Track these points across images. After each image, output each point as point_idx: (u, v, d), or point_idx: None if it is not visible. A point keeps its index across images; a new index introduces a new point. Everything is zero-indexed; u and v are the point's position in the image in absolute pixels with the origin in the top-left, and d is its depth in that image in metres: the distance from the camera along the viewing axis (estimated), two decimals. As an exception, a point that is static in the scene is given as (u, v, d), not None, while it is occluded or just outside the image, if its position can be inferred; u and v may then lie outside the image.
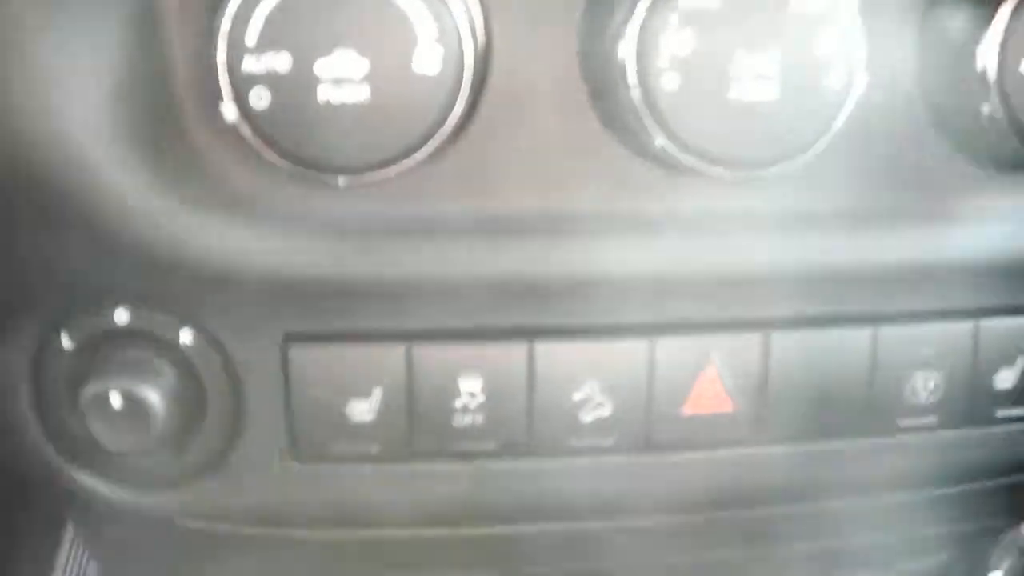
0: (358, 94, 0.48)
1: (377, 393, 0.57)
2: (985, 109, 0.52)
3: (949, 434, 0.61)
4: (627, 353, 0.56)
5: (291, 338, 0.56)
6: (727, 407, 0.58)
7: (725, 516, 0.64)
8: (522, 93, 0.52)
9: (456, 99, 0.48)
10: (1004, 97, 0.52)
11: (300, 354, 0.56)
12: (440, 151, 0.49)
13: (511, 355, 0.56)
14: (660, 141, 0.49)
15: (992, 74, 0.51)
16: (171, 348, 0.57)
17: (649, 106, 0.49)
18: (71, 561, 0.71)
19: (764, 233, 0.55)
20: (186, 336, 0.57)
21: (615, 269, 0.55)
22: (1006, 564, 0.47)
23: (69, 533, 0.71)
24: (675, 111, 0.49)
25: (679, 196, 0.55)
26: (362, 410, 0.57)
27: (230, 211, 0.53)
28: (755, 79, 0.48)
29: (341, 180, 0.50)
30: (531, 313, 0.56)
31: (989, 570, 0.47)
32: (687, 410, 0.57)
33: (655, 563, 0.66)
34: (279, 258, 0.54)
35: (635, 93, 0.49)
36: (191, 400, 0.58)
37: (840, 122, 0.50)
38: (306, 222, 0.54)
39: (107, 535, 0.69)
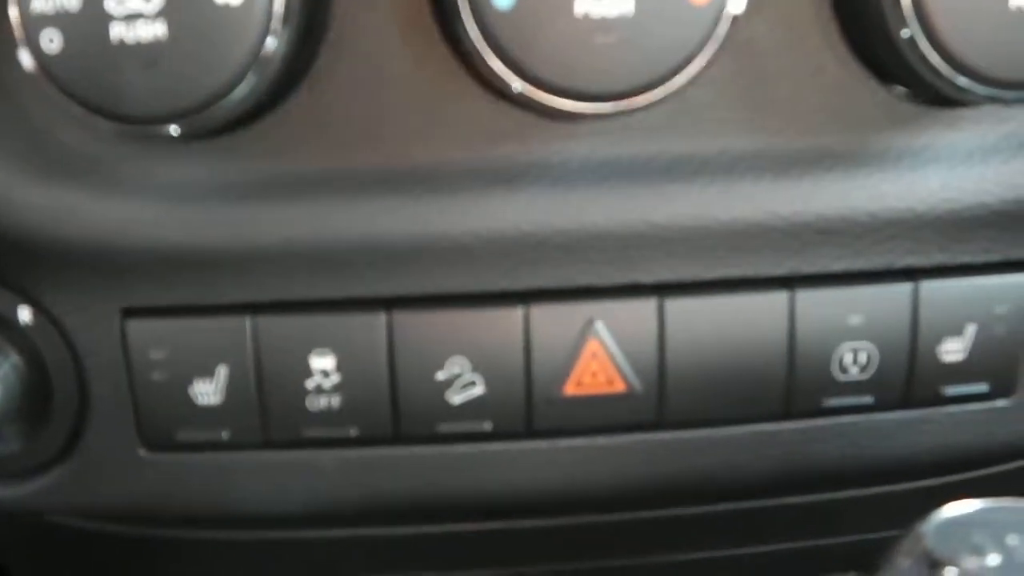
0: (154, 31, 0.41)
1: (222, 372, 0.50)
2: (904, 33, 0.44)
3: (889, 417, 0.52)
4: (498, 324, 0.49)
5: (129, 313, 0.50)
6: (617, 386, 0.50)
7: (622, 517, 0.56)
8: (367, 32, 0.45)
9: (266, 33, 0.41)
10: (923, 19, 0.43)
11: (139, 330, 0.50)
12: (260, 98, 0.43)
13: (367, 328, 0.49)
14: (493, 63, 0.42)
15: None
16: (11, 327, 0.51)
17: (484, 31, 0.41)
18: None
19: (651, 183, 0.47)
20: (24, 314, 0.51)
21: (481, 228, 0.48)
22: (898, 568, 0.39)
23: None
24: (512, 33, 0.41)
25: (548, 142, 0.47)
26: (207, 391, 0.50)
27: (59, 174, 0.48)
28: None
29: (173, 129, 0.43)
30: (389, 280, 0.49)
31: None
32: (570, 389, 0.50)
33: (544, 567, 0.58)
34: (113, 225, 0.48)
35: (465, 13, 0.41)
36: (36, 383, 0.52)
37: (714, 42, 0.42)
38: (139, 186, 0.48)
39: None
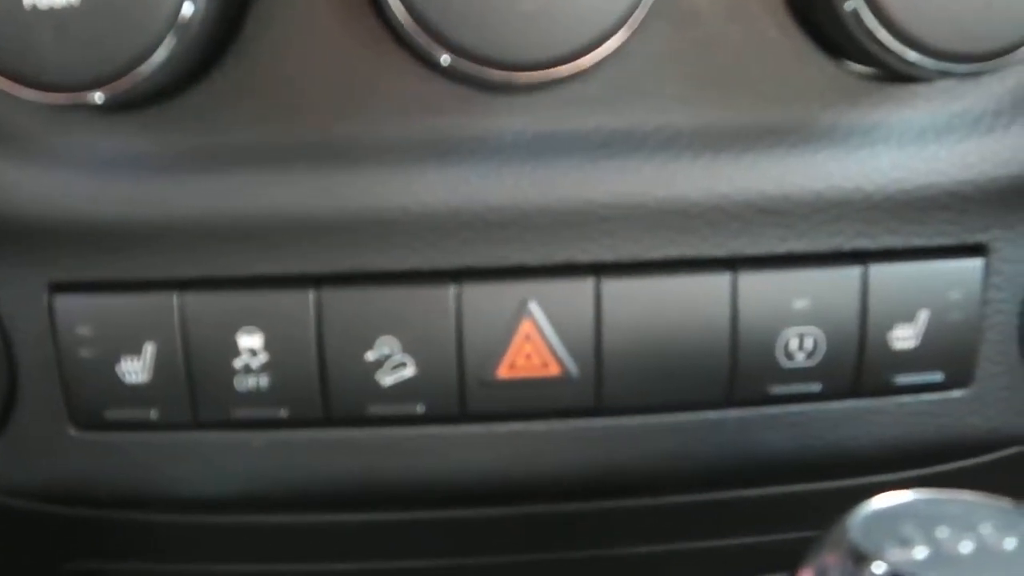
0: None
1: (149, 349, 0.49)
2: (848, 6, 0.42)
3: (838, 405, 0.51)
4: (429, 302, 0.47)
5: (56, 288, 0.49)
6: (552, 369, 0.48)
7: (564, 507, 0.54)
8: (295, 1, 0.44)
9: None
10: None
11: (66, 305, 0.49)
12: (181, 65, 0.41)
13: (295, 306, 0.48)
14: (419, 36, 0.40)
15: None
16: None
17: (408, 3, 0.40)
18: None
19: (588, 159, 0.46)
20: None
21: (412, 204, 0.46)
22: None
23: None
24: (436, 4, 0.40)
25: (482, 117, 0.45)
26: (135, 369, 0.49)
27: None
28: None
29: (97, 96, 0.42)
30: (318, 257, 0.48)
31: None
32: (503, 372, 0.48)
33: (476, 560, 0.56)
34: (39, 198, 0.47)
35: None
36: None
37: (641, 10, 0.40)
38: (66, 158, 0.47)
39: None
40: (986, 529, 0.36)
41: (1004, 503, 0.38)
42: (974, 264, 0.50)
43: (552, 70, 0.41)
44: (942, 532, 0.37)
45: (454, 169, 0.46)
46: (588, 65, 0.41)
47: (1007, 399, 0.53)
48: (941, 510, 0.38)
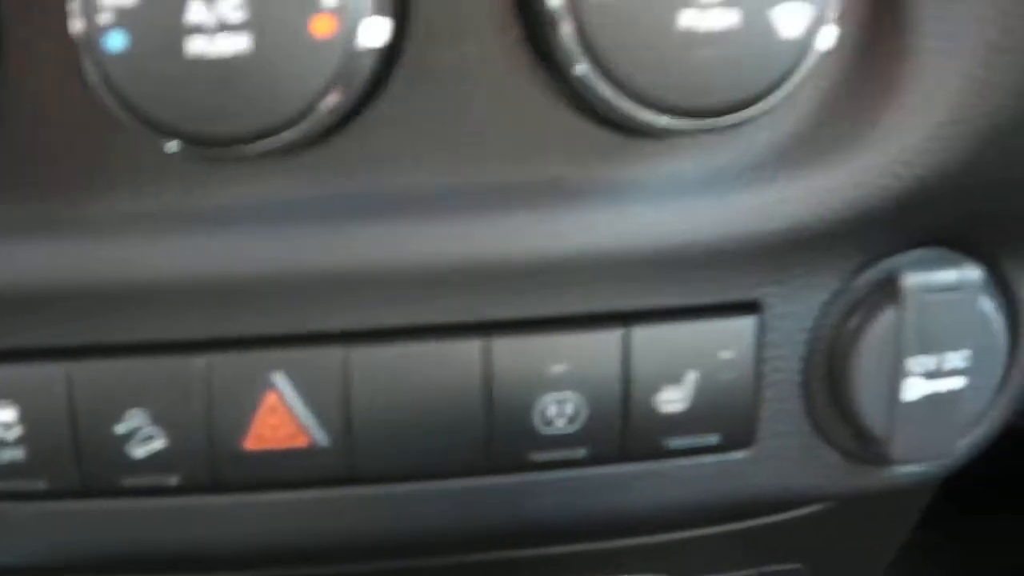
0: None
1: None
2: (578, 70, 0.40)
3: (609, 471, 0.49)
4: (176, 374, 0.46)
5: None
6: (300, 440, 0.47)
7: (320, 572, 0.53)
8: (37, 68, 0.43)
9: None
10: (592, 52, 0.40)
11: None
12: None
13: (46, 379, 0.47)
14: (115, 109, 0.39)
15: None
16: None
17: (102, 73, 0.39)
18: None
19: (331, 224, 0.44)
20: None
21: (156, 275, 0.45)
22: None
23: None
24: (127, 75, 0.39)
25: (218, 185, 0.44)
26: None
27: None
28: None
29: None
30: (70, 330, 0.47)
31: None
32: (251, 444, 0.47)
33: None
34: None
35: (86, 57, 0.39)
36: None
37: (345, 77, 0.39)
38: None
39: None
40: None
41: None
42: (745, 323, 0.48)
43: (274, 138, 0.39)
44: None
45: (197, 239, 0.45)
46: (316, 132, 0.39)
47: (796, 458, 0.51)
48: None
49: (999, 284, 0.50)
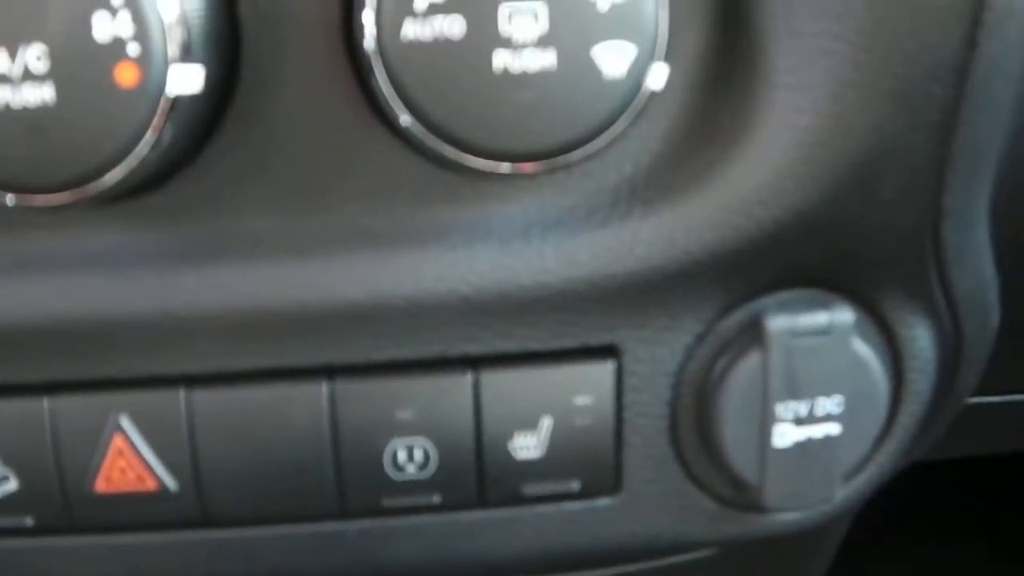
0: None
1: None
2: (404, 121, 0.39)
3: (468, 517, 0.48)
4: (23, 416, 0.46)
5: None
6: (149, 484, 0.46)
7: None
8: None
9: None
10: (413, 104, 0.39)
11: None
12: None
13: None
14: None
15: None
16: None
17: None
18: None
19: (166, 269, 0.44)
20: None
21: None
22: None
23: None
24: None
25: (55, 229, 0.44)
26: None
27: None
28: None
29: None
30: None
31: None
32: (100, 486, 0.47)
33: None
34: None
35: None
36: None
37: (157, 123, 0.38)
38: None
39: None
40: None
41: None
42: (603, 367, 0.46)
43: (83, 188, 0.39)
44: None
45: (29, 284, 0.44)
46: (131, 181, 0.39)
47: (668, 505, 0.49)
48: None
49: (878, 325, 0.47)
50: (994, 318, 0.51)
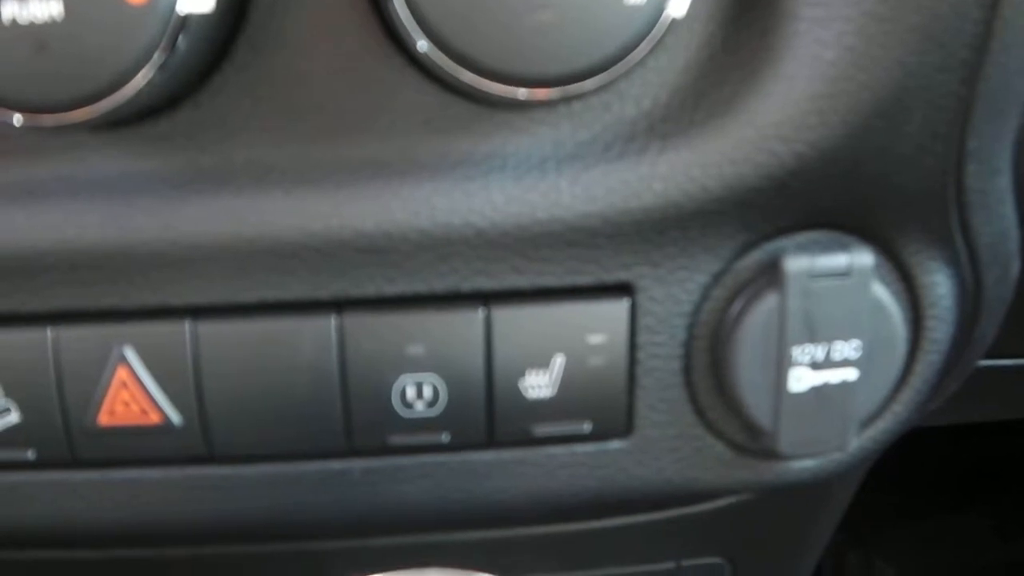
0: None
1: None
2: (421, 47, 0.38)
3: (478, 457, 0.47)
4: (26, 346, 0.45)
5: None
6: (153, 417, 0.46)
7: (183, 552, 0.52)
8: None
9: None
10: (429, 28, 0.38)
11: None
12: None
13: None
14: None
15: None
16: None
17: None
18: None
19: (173, 197, 0.43)
20: None
21: None
22: None
23: None
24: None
25: (58, 156, 0.43)
26: None
27: None
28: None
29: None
30: None
31: None
32: (104, 420, 0.46)
33: None
34: None
35: None
36: None
37: (164, 49, 0.37)
38: None
39: None
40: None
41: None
42: (617, 305, 0.45)
43: (91, 107, 0.38)
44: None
45: (35, 210, 0.43)
46: (139, 102, 0.38)
47: (680, 450, 0.48)
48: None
49: (898, 270, 0.46)
50: (1014, 268, 0.50)
